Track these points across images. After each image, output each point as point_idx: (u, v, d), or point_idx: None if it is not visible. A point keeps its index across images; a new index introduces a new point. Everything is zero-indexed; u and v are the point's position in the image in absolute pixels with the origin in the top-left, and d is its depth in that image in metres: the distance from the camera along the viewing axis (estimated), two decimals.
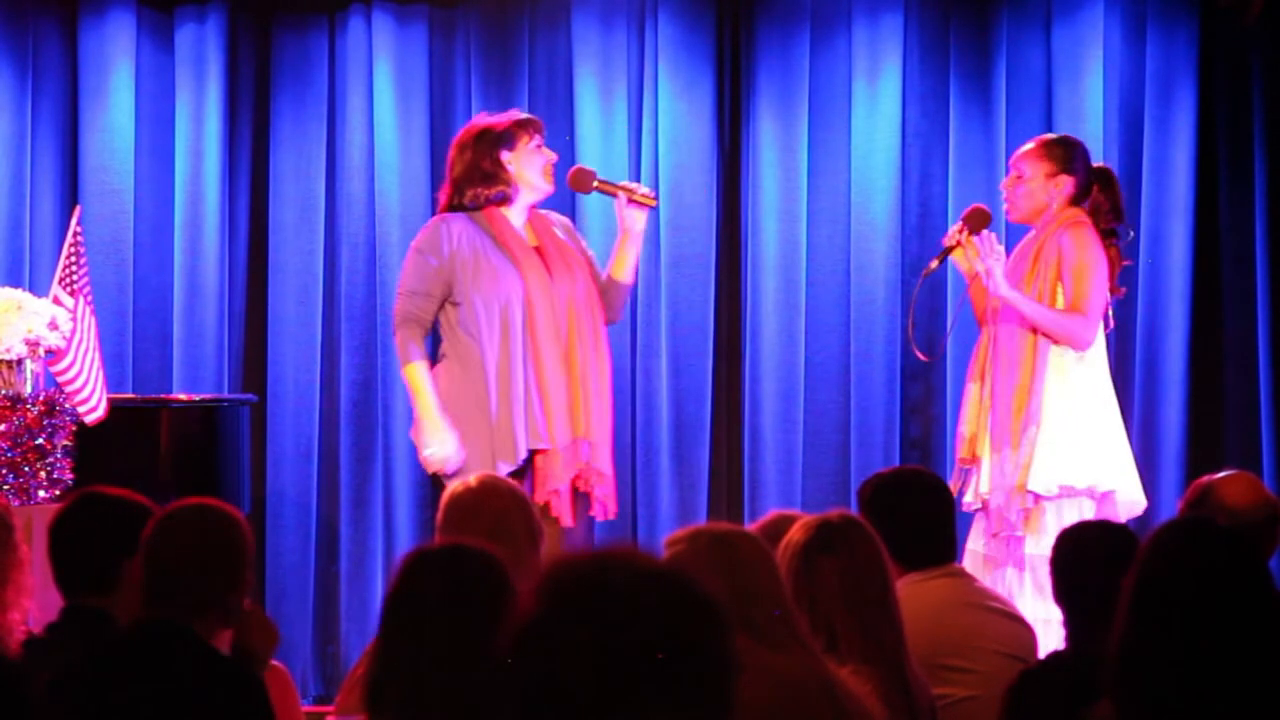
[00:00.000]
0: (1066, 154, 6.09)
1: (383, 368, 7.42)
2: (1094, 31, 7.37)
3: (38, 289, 6.54)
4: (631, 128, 7.49)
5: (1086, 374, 5.98)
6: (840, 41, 7.49)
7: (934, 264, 6.23)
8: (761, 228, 7.47)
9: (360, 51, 7.54)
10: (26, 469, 6.09)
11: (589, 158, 7.24)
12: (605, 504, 5.95)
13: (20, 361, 6.15)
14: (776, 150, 7.47)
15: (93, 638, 3.73)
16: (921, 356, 6.55)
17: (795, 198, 7.45)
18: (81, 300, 6.23)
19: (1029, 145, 6.17)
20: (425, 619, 3.12)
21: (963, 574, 4.49)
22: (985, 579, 5.52)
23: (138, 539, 3.60)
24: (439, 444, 5.84)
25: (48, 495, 6.08)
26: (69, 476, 6.14)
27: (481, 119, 6.12)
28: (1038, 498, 5.88)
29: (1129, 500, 5.96)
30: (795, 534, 3.68)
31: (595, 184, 6.10)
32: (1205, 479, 4.69)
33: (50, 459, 6.13)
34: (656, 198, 6.36)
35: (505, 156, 5.97)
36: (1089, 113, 7.33)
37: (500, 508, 4.38)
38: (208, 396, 7.13)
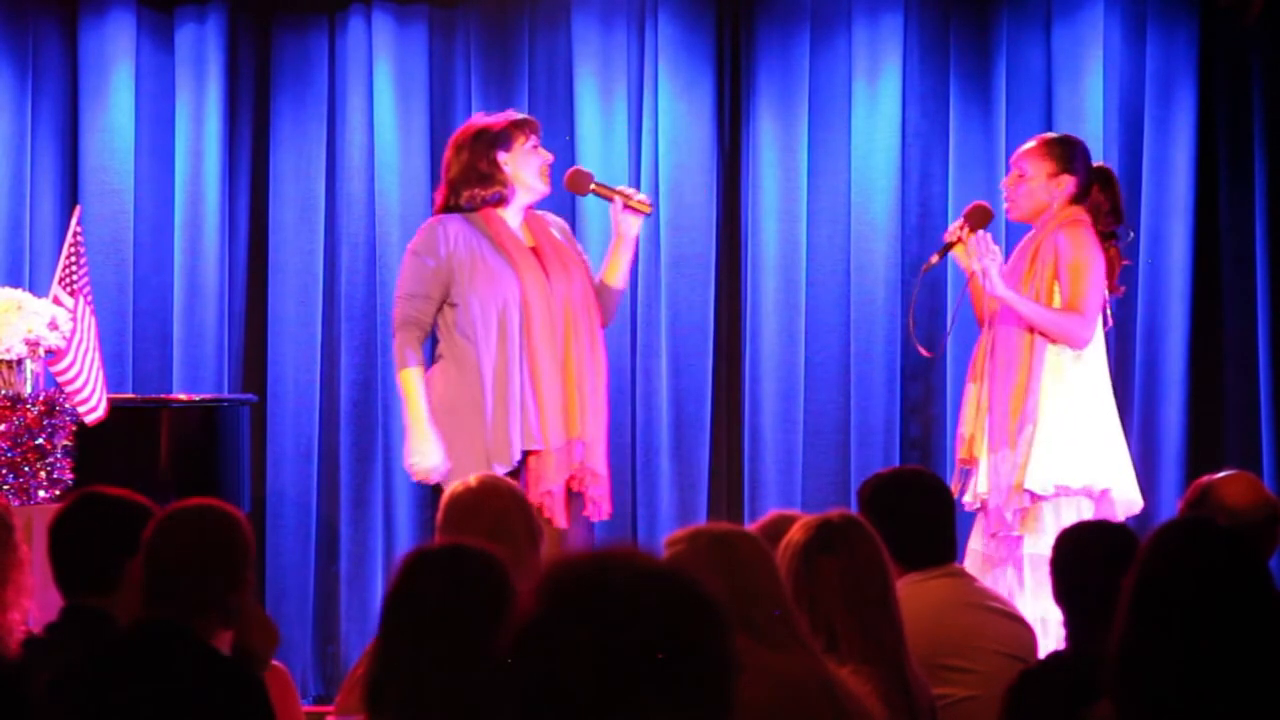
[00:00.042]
0: (1068, 153, 6.09)
1: (383, 367, 7.41)
2: (1094, 31, 7.37)
3: (38, 289, 6.53)
4: (631, 128, 7.49)
5: (1083, 373, 5.98)
6: (840, 41, 7.49)
7: (934, 259, 6.24)
8: (761, 228, 7.46)
9: (360, 51, 7.53)
10: (26, 469, 6.08)
11: (589, 158, 7.25)
12: (599, 504, 5.93)
13: (20, 361, 6.15)
14: (776, 150, 7.47)
15: (93, 638, 3.73)
16: (923, 351, 6.55)
17: (795, 198, 7.44)
18: (81, 300, 6.23)
19: (1031, 144, 6.17)
20: (425, 619, 3.12)
21: (963, 574, 4.49)
22: (985, 579, 5.52)
23: (138, 539, 3.60)
24: (422, 455, 5.83)
25: (48, 495, 6.07)
26: (69, 476, 6.14)
27: (477, 119, 6.09)
28: (1034, 497, 5.88)
29: (1126, 499, 5.96)
30: (795, 534, 3.68)
31: (592, 186, 6.09)
32: (1205, 479, 4.69)
33: (50, 459, 6.12)
34: (652, 205, 6.35)
35: (501, 157, 5.95)
36: (1089, 113, 7.33)
37: (500, 508, 4.38)
38: (208, 396, 7.12)
